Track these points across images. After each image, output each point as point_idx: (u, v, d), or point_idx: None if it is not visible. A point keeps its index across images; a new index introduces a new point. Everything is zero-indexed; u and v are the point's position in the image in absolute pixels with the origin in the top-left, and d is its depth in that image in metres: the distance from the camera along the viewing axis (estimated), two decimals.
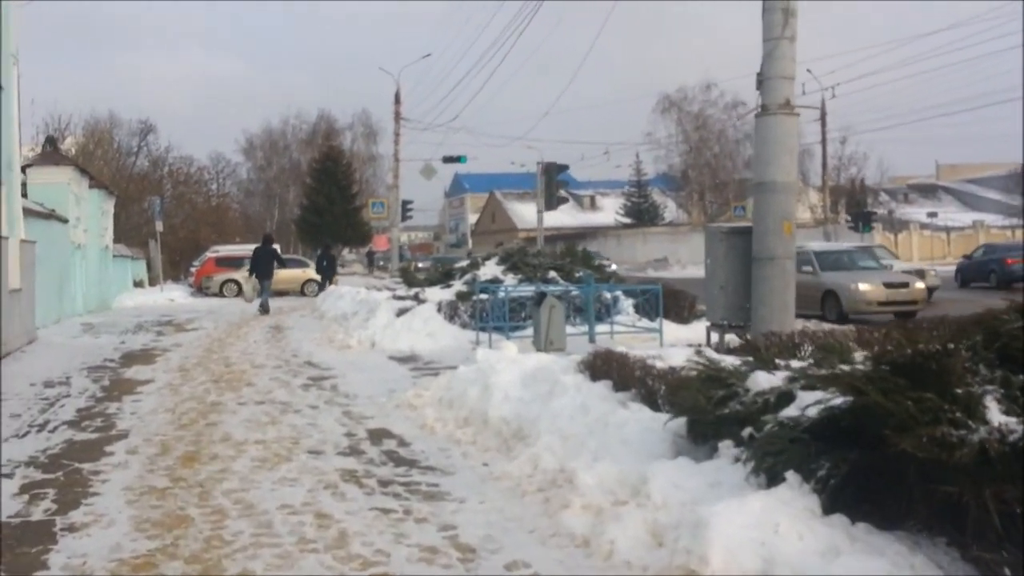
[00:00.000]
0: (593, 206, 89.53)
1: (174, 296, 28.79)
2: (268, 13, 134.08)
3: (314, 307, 21.18)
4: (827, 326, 8.61)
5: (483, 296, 13.89)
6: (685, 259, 57.32)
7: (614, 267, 36.68)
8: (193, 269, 38.10)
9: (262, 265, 22.12)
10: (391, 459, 6.33)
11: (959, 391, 3.26)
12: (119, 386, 10.14)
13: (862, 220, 46.42)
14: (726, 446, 4.50)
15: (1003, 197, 68.89)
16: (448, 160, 48.21)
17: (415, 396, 8.16)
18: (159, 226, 30.28)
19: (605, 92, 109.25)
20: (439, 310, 14.17)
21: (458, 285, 17.02)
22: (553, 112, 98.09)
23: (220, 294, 30.66)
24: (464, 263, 18.75)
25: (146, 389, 9.84)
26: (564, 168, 25.59)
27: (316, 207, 57.74)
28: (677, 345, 10.56)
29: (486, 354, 8.41)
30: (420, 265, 47.42)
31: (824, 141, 53.37)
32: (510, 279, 16.70)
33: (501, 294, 13.52)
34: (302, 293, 30.97)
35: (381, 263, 53.79)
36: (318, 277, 31.24)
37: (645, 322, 12.98)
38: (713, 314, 9.50)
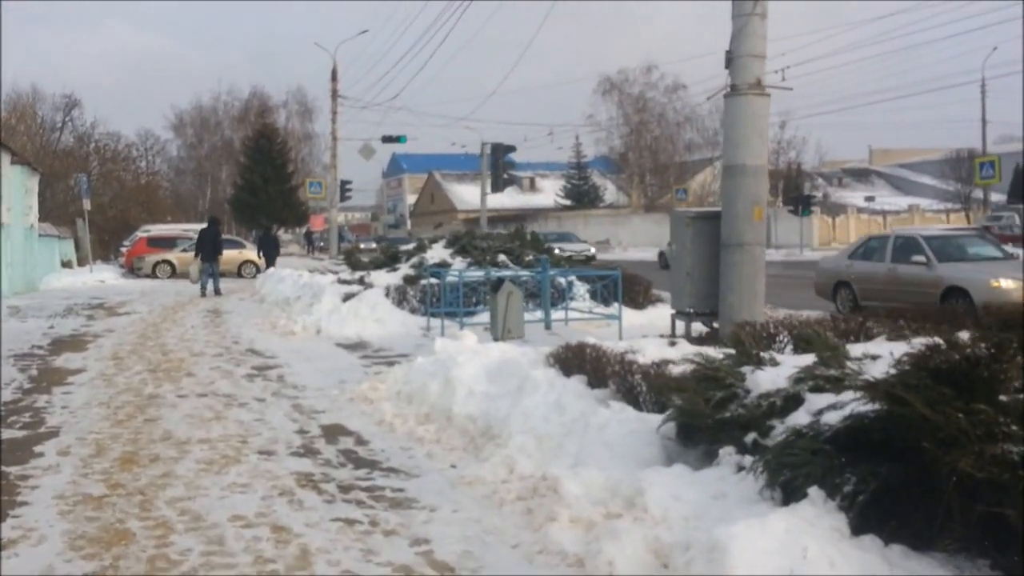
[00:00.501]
0: (533, 188, 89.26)
1: (104, 277, 27.64)
2: None
3: (253, 290, 20.43)
4: (806, 313, 8.34)
5: (433, 280, 13.43)
6: (627, 241, 57.56)
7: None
8: (123, 249, 36.75)
9: (208, 247, 21.69)
10: (349, 460, 5.87)
11: (1005, 399, 2.96)
12: (48, 376, 9.45)
13: (801, 203, 46.90)
14: (727, 452, 4.17)
15: (936, 182, 70.50)
16: (387, 140, 47.32)
17: (370, 389, 7.70)
18: (87, 204, 29.03)
19: (546, 74, 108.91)
20: (387, 295, 13.66)
21: (405, 269, 16.51)
22: (493, 94, 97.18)
23: (153, 275, 29.55)
24: (410, 246, 18.23)
25: (78, 379, 9.18)
26: (511, 149, 25.15)
27: (251, 186, 56.22)
28: (642, 334, 10.26)
29: (445, 344, 7.98)
30: (364, 247, 46.50)
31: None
32: (459, 263, 16.26)
33: (452, 278, 13.06)
34: (239, 275, 30.02)
35: (321, 244, 52.49)
36: (256, 258, 30.34)
37: (601, 308, 12.66)
38: (679, 301, 9.21)
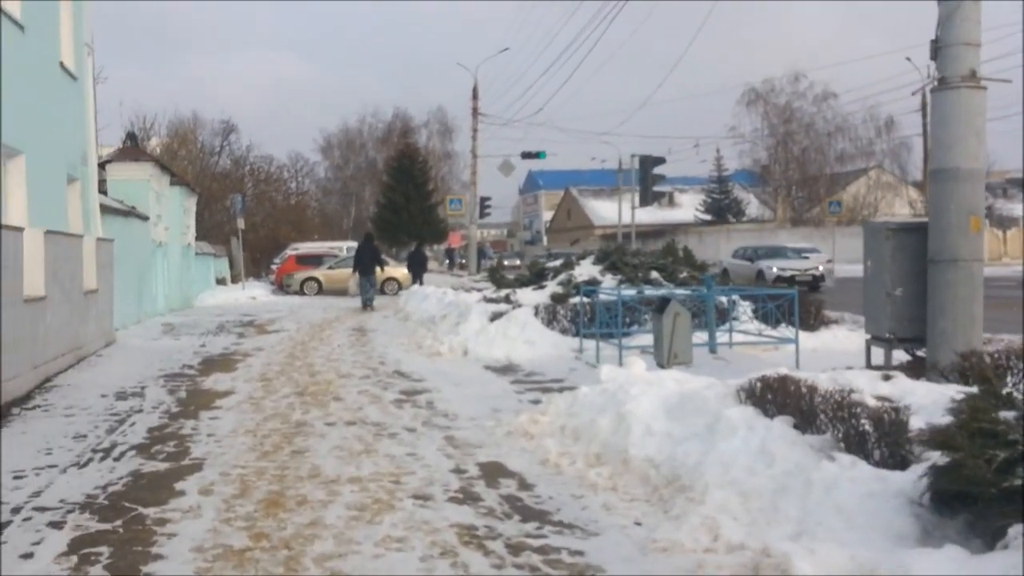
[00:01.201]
0: (672, 203, 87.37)
1: (256, 294, 28.26)
2: (336, 15, 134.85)
3: (397, 307, 20.21)
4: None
5: (586, 299, 12.64)
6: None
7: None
8: (274, 267, 37.84)
9: (365, 262, 22.68)
10: (515, 509, 5.13)
11: None
12: (196, 399, 9.20)
13: None
14: (1018, 533, 3.18)
15: None
16: (527, 156, 47.13)
17: (530, 422, 6.96)
18: (241, 223, 29.83)
19: (686, 86, 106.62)
20: (536, 314, 12.96)
21: (552, 286, 15.83)
22: (631, 107, 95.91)
23: (301, 292, 30.07)
24: (557, 262, 17.51)
25: (225, 403, 8.87)
26: (660, 161, 24.11)
27: (393, 204, 57.09)
28: (818, 359, 9.12)
29: (612, 373, 7.16)
30: (508, 263, 46.17)
31: (925, 133, 50.53)
32: (608, 280, 15.44)
33: (608, 296, 12.21)
34: (382, 291, 30.14)
35: (461, 261, 52.39)
36: (398, 275, 30.44)
37: (770, 331, 11.54)
38: (875, 325, 8.05)
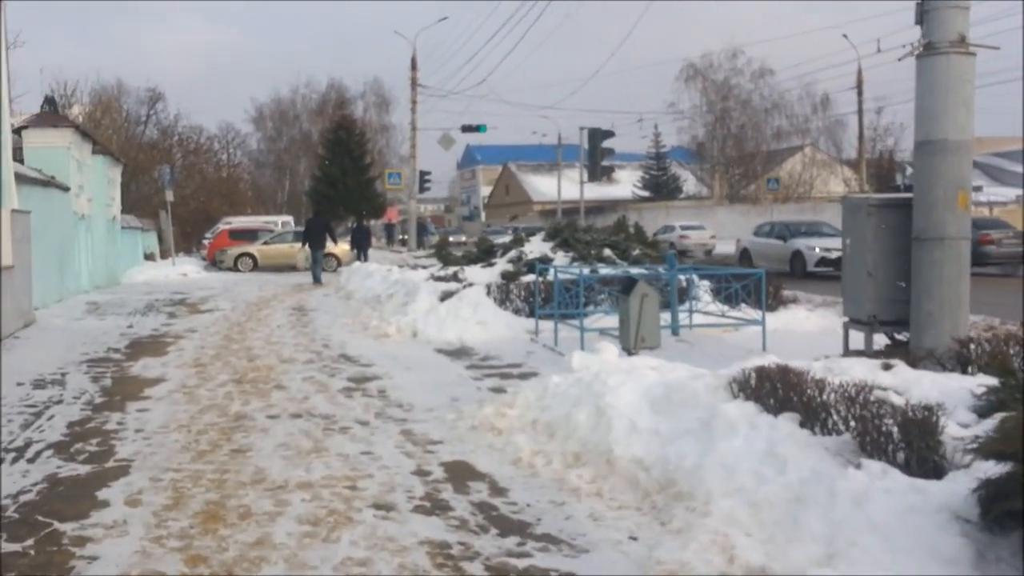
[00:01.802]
0: (609, 179, 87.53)
1: (187, 270, 27.06)
2: None
3: (338, 285, 19.40)
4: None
5: (540, 277, 12.08)
6: (716, 234, 55.23)
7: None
8: (205, 242, 36.48)
9: (315, 237, 22.74)
10: (491, 520, 4.55)
11: None
12: (123, 387, 8.40)
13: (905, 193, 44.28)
14: None
15: None
16: (467, 129, 46.29)
17: (496, 415, 6.37)
18: (169, 196, 28.50)
19: (628, 59, 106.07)
20: (488, 293, 12.36)
21: (502, 264, 15.24)
22: (571, 82, 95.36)
23: (235, 268, 28.94)
24: (506, 239, 16.90)
25: (155, 392, 8.10)
26: (609, 134, 23.57)
27: (329, 178, 55.66)
28: (781, 340, 8.66)
29: (584, 360, 6.62)
30: (453, 239, 45.04)
31: (860, 111, 51.26)
32: (560, 257, 14.91)
33: (563, 275, 11.65)
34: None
35: (402, 237, 50.83)
36: (336, 251, 29.50)
37: (731, 311, 11.11)
38: (856, 308, 7.64)
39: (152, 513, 4.66)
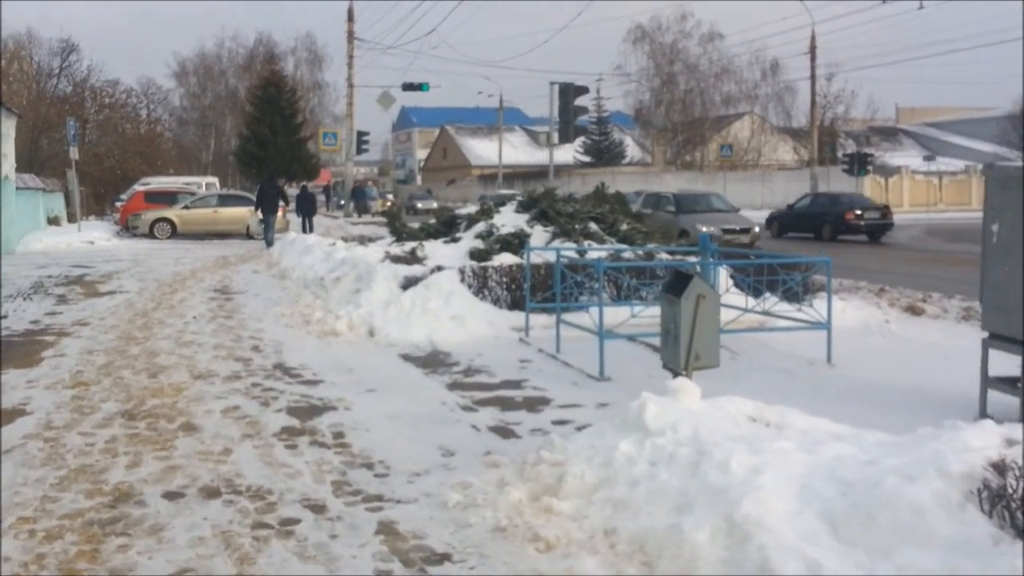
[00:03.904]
0: (549, 143, 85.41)
1: (94, 237, 23.95)
2: None
3: (269, 261, 16.71)
4: None
5: (548, 260, 9.72)
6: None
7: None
8: (119, 204, 32.99)
9: (268, 201, 22.23)
10: None
11: None
12: None
13: (858, 163, 42.99)
14: None
15: (968, 142, 66.21)
16: (408, 87, 43.42)
17: (535, 506, 4.00)
18: (74, 153, 25.22)
19: (572, 20, 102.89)
20: (462, 279, 9.96)
21: (469, 240, 12.76)
22: (510, 45, 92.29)
23: (151, 235, 25.81)
24: (470, 209, 14.41)
25: (6, 440, 5.52)
26: (583, 90, 21.11)
27: (258, 137, 51.98)
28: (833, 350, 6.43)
29: (660, 412, 4.28)
30: (421, 206, 41.12)
31: (813, 77, 49.63)
32: (539, 233, 12.53)
33: (567, 255, 9.24)
34: (248, 236, 26.31)
35: (341, 202, 46.50)
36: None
37: (774, 306, 8.86)
38: (1005, 320, 5.43)
39: None
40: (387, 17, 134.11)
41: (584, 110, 21.52)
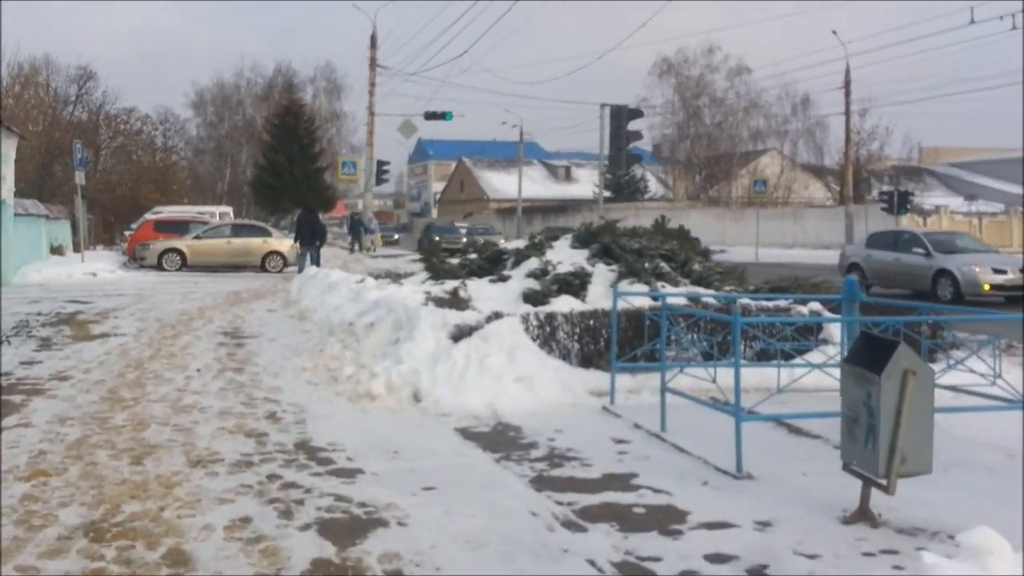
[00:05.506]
0: (569, 177, 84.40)
1: (97, 268, 22.24)
2: None
3: (287, 298, 14.92)
4: None
5: (646, 306, 7.85)
6: (703, 240, 51.54)
7: None
8: (128, 233, 31.40)
9: (306, 234, 22.57)
10: None
11: None
12: None
13: (898, 201, 41.09)
14: None
15: (996, 183, 64.32)
16: (431, 116, 41.80)
17: None
18: (80, 177, 23.58)
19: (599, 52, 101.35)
20: (527, 329, 8.13)
21: (519, 279, 10.98)
22: (532, 72, 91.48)
23: (159, 267, 24.17)
24: (517, 245, 12.60)
25: None
26: (638, 114, 19.35)
27: (274, 167, 50.52)
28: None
29: None
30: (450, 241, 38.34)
31: (847, 112, 47.95)
32: (601, 271, 10.73)
33: (675, 301, 7.41)
34: (263, 268, 24.65)
35: (372, 239, 40.73)
36: (283, 248, 24.99)
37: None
38: None
39: None
40: (408, 45, 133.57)
41: (638, 135, 19.69)
